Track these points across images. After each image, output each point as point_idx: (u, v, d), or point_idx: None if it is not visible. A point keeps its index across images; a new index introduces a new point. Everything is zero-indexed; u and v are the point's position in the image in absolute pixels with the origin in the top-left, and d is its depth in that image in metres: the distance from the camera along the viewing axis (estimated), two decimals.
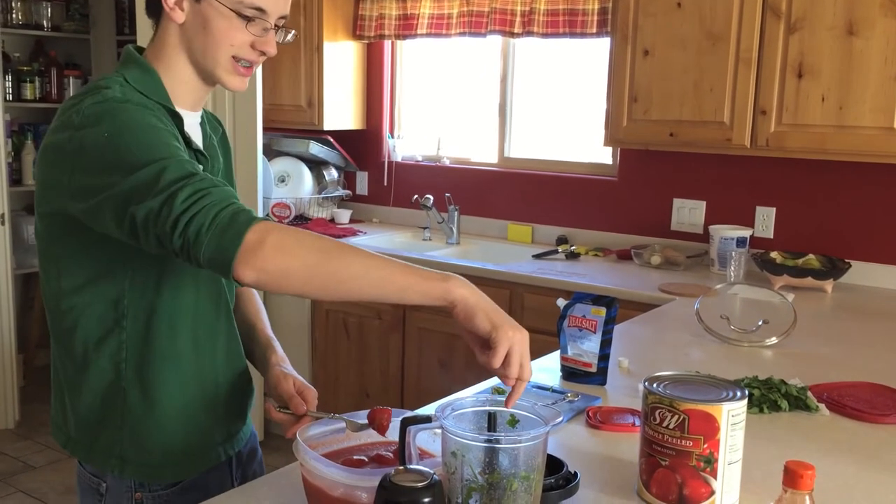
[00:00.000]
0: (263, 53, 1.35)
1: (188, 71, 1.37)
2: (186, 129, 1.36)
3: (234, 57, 1.34)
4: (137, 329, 1.33)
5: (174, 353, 1.36)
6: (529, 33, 3.63)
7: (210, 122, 1.51)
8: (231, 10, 1.30)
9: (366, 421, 1.25)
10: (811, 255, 3.00)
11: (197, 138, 1.41)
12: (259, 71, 3.58)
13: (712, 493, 1.19)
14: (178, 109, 1.36)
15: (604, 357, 1.77)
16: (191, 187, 1.13)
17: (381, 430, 1.25)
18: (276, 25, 1.35)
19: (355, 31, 4.08)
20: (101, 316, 1.32)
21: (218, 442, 1.45)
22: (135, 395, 1.35)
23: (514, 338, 1.16)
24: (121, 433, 1.37)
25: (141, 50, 1.39)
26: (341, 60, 4.06)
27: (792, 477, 0.94)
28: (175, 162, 1.16)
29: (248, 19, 1.31)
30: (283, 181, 4.17)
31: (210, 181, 1.16)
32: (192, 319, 1.38)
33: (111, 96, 1.24)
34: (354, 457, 1.22)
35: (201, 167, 1.28)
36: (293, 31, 1.42)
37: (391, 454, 1.23)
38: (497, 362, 1.16)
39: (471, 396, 1.28)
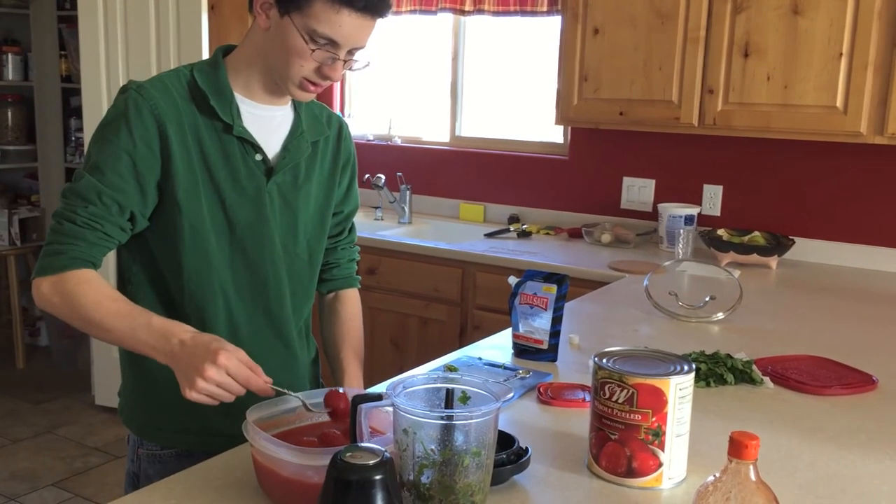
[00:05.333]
0: (328, 78, 1.41)
1: (261, 72, 1.45)
2: (249, 119, 1.45)
3: (303, 77, 1.40)
4: (136, 293, 1.46)
5: None
6: (480, 11, 3.62)
7: (314, 119, 1.56)
8: (303, 35, 1.36)
9: (320, 401, 1.26)
10: (756, 232, 3.06)
11: (265, 129, 1.47)
12: (205, 48, 3.51)
13: (660, 465, 1.21)
14: (247, 100, 1.46)
15: (555, 334, 1.78)
16: (63, 210, 1.35)
17: (339, 414, 1.26)
18: (347, 55, 1.40)
19: None
20: (122, 270, 1.50)
21: (218, 431, 1.40)
22: (130, 354, 1.47)
23: (195, 394, 1.22)
24: (124, 385, 1.56)
25: (232, 48, 1.50)
26: None
27: (737, 447, 0.96)
28: (84, 182, 1.35)
29: (316, 46, 1.36)
30: None
31: (73, 217, 1.34)
32: (188, 304, 1.46)
33: (120, 102, 1.39)
34: (305, 437, 1.22)
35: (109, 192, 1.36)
36: (367, 63, 1.45)
37: (341, 434, 1.23)
38: (215, 404, 1.24)
39: (422, 374, 1.28)
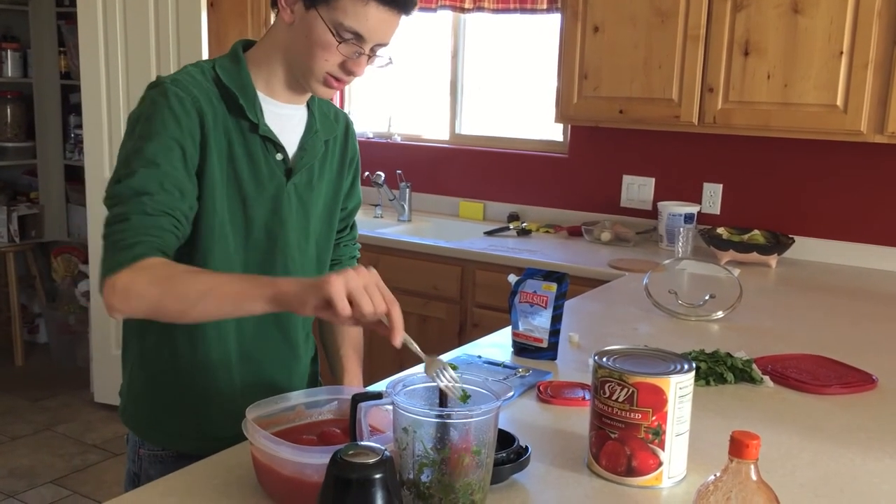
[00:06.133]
0: (352, 73, 1.40)
1: (283, 68, 1.44)
2: (271, 117, 1.44)
3: (327, 72, 1.39)
4: None
5: (170, 334, 1.44)
6: (480, 9, 3.62)
7: (324, 118, 1.56)
8: (330, 27, 1.34)
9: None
10: (756, 231, 3.06)
11: (285, 128, 1.47)
12: (205, 45, 3.51)
13: (660, 464, 1.21)
14: (268, 98, 1.45)
15: (554, 332, 1.78)
16: (125, 206, 1.27)
17: None
18: (371, 51, 1.39)
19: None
20: None
21: (218, 435, 1.38)
22: (136, 354, 1.49)
23: (339, 281, 1.11)
24: (125, 385, 1.54)
25: (251, 43, 1.48)
26: None
27: (738, 447, 0.96)
28: (141, 176, 1.28)
29: (342, 40, 1.35)
30: None
31: (142, 208, 1.27)
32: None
33: (157, 95, 1.34)
34: (304, 436, 1.22)
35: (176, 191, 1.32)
36: (389, 60, 1.44)
37: (341, 433, 1.23)
38: (344, 313, 1.11)
39: (422, 373, 1.28)
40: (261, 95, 1.44)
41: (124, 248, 1.25)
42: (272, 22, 1.46)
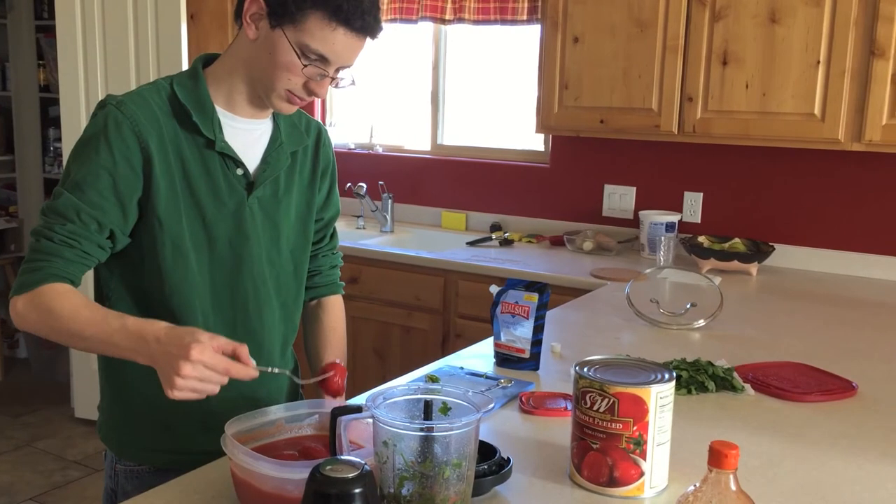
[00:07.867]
0: (313, 94, 1.40)
1: (245, 83, 1.43)
2: (231, 133, 1.43)
3: (288, 90, 1.39)
4: (114, 308, 1.40)
5: None
6: (461, 20, 3.63)
7: (293, 129, 1.54)
8: (295, 49, 1.34)
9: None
10: (737, 239, 3.08)
11: (247, 143, 1.46)
12: (185, 58, 3.50)
13: (642, 474, 1.21)
14: (228, 113, 1.44)
15: (536, 343, 1.78)
16: (41, 227, 1.33)
17: (333, 387, 1.28)
18: (334, 72, 1.39)
19: None
20: (101, 285, 1.48)
21: (197, 449, 1.38)
22: (105, 368, 1.50)
23: (189, 379, 1.17)
24: (102, 401, 1.54)
25: (214, 57, 1.47)
26: None
27: (716, 457, 0.96)
28: (63, 200, 1.32)
29: (308, 62, 1.35)
30: None
31: (50, 234, 1.31)
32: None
33: (100, 118, 1.36)
34: (285, 451, 1.21)
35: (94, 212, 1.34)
36: (353, 81, 1.44)
37: (322, 447, 1.22)
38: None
39: (402, 385, 1.27)
40: (220, 111, 1.43)
41: (31, 270, 1.31)
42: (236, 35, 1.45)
